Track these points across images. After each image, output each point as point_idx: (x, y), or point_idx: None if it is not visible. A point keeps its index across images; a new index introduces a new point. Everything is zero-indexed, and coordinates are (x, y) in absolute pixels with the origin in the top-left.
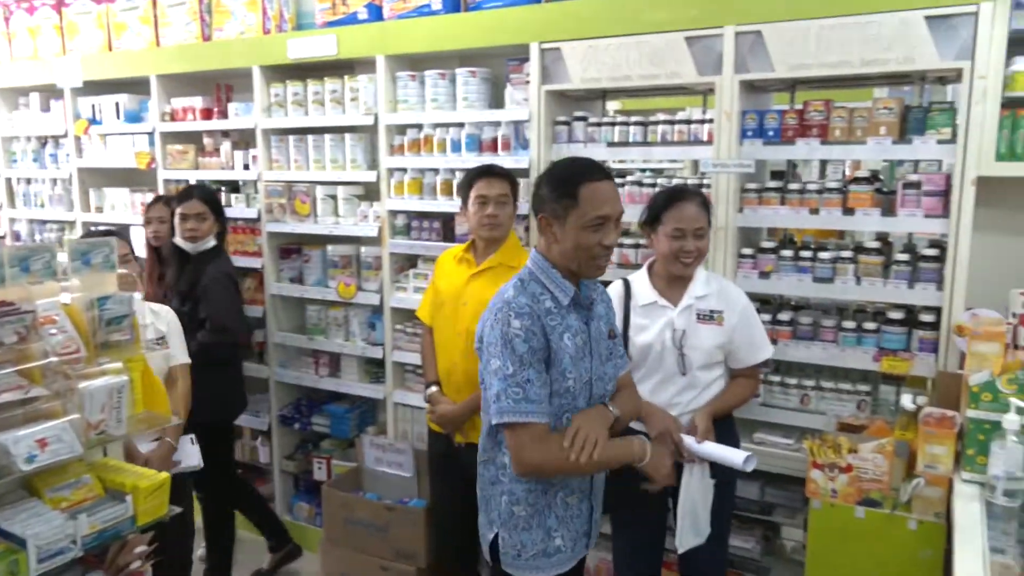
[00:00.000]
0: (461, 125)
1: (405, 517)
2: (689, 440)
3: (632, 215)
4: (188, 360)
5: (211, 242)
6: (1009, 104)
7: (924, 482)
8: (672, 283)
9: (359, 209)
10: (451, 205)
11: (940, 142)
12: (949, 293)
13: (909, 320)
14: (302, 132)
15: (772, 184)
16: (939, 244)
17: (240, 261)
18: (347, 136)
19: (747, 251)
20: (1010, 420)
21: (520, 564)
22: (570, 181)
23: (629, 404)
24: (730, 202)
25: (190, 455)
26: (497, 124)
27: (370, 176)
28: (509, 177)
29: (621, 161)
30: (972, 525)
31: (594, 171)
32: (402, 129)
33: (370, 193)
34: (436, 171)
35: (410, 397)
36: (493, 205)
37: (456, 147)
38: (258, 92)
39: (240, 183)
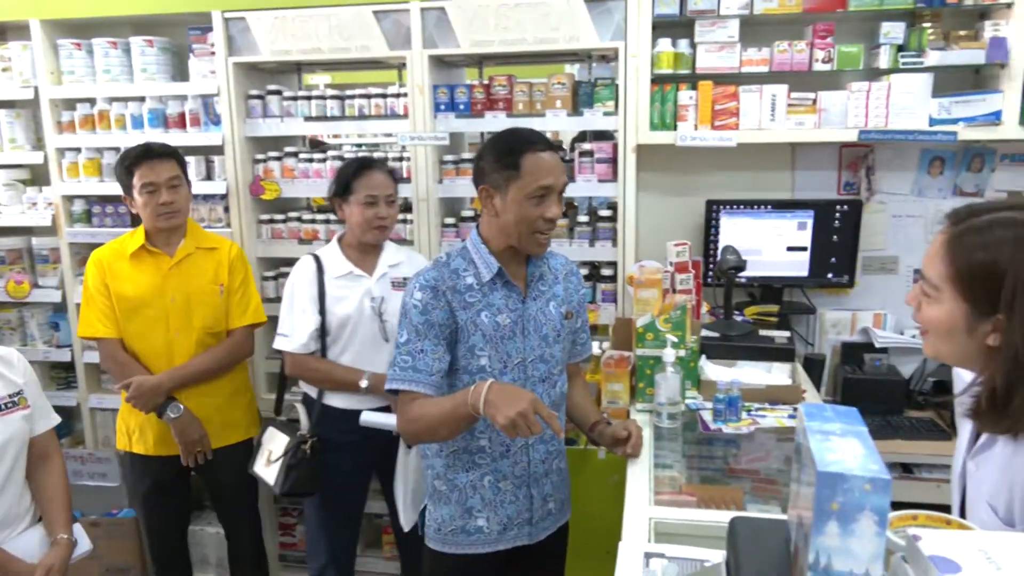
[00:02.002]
0: (142, 99)
1: (115, 530)
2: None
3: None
4: (58, 421)
5: None
6: (657, 80)
7: (607, 416)
8: (364, 253)
9: (25, 196)
10: None
11: (606, 114)
12: (622, 248)
13: (594, 275)
14: None
15: (468, 156)
16: (614, 206)
17: None
18: (1, 112)
19: (450, 220)
20: (667, 354)
21: (438, 538)
22: (512, 151)
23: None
24: (429, 174)
25: (81, 543)
26: (183, 98)
27: (36, 157)
28: (174, 155)
29: (336, 136)
30: (643, 448)
31: (537, 141)
32: (71, 104)
33: (38, 177)
34: (117, 150)
35: (109, 400)
36: (165, 191)
37: (138, 123)
38: None
39: None
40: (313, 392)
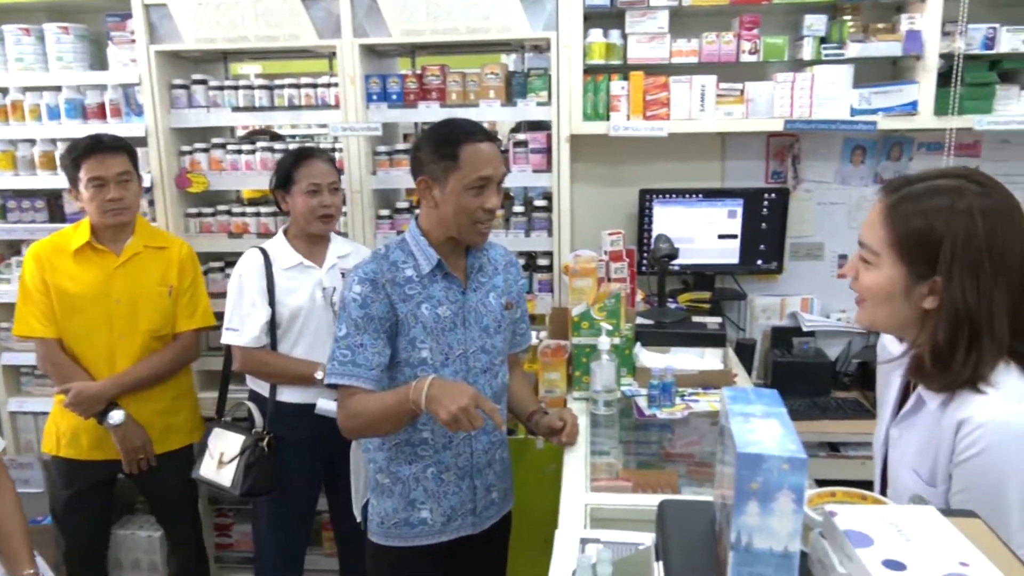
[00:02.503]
0: (58, 89)
1: (40, 539)
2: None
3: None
4: (3, 444)
5: None
6: (590, 70)
7: (545, 406)
8: (312, 244)
9: None
10: (56, 181)
11: (539, 104)
12: (557, 238)
13: (530, 265)
14: None
15: (402, 146)
16: (549, 196)
17: None
18: None
19: (384, 212)
20: (602, 342)
21: (382, 531)
22: (450, 141)
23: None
24: (363, 165)
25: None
26: (103, 88)
27: None
28: (125, 148)
29: (268, 126)
30: (579, 435)
31: (475, 132)
32: None
33: None
34: (32, 142)
35: (30, 403)
36: (114, 187)
37: (54, 114)
38: None
39: None
40: (263, 389)
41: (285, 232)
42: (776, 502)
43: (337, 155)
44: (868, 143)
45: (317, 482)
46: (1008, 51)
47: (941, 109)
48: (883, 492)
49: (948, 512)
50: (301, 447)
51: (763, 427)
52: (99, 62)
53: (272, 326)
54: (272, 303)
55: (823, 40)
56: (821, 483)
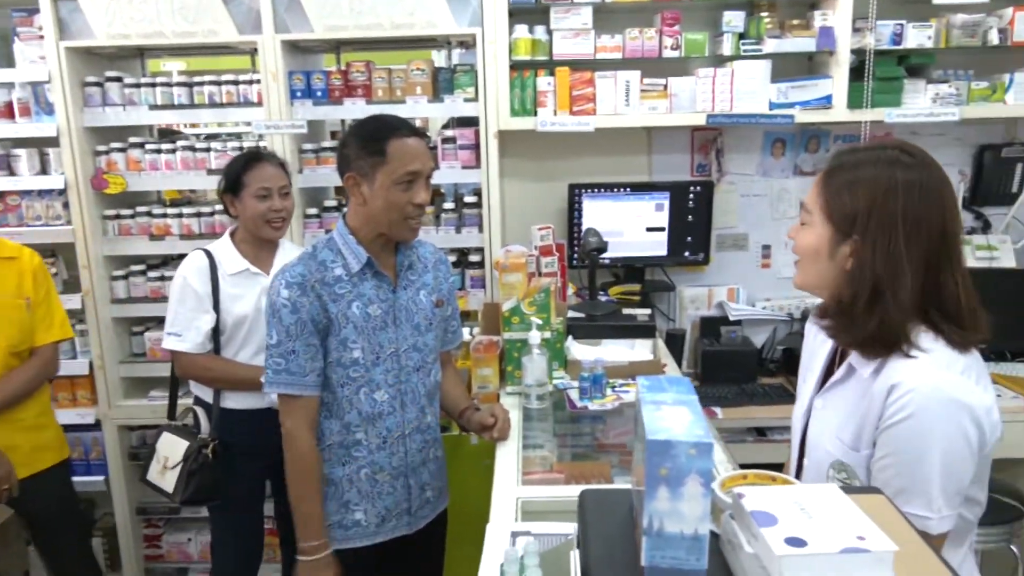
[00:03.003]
0: None
1: None
2: None
3: (192, 183)
4: None
5: None
6: (516, 66)
7: (478, 401)
8: (259, 249)
9: None
10: None
11: (467, 100)
12: (488, 234)
13: (462, 262)
14: None
15: (328, 144)
16: (479, 192)
17: None
18: None
19: (312, 211)
20: (533, 336)
21: None
22: (377, 137)
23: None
24: (289, 163)
25: None
26: (10, 86)
27: None
28: None
29: (194, 125)
30: (512, 429)
31: (402, 127)
32: None
33: None
34: None
35: None
36: None
37: None
38: None
39: None
40: (207, 395)
41: (232, 235)
42: (685, 486)
43: None
44: (788, 136)
45: (263, 487)
46: (914, 47)
47: (854, 103)
48: (800, 462)
49: (850, 489)
50: (248, 452)
51: (673, 414)
52: (5, 59)
53: (215, 332)
54: (216, 308)
55: (742, 36)
56: (745, 467)
